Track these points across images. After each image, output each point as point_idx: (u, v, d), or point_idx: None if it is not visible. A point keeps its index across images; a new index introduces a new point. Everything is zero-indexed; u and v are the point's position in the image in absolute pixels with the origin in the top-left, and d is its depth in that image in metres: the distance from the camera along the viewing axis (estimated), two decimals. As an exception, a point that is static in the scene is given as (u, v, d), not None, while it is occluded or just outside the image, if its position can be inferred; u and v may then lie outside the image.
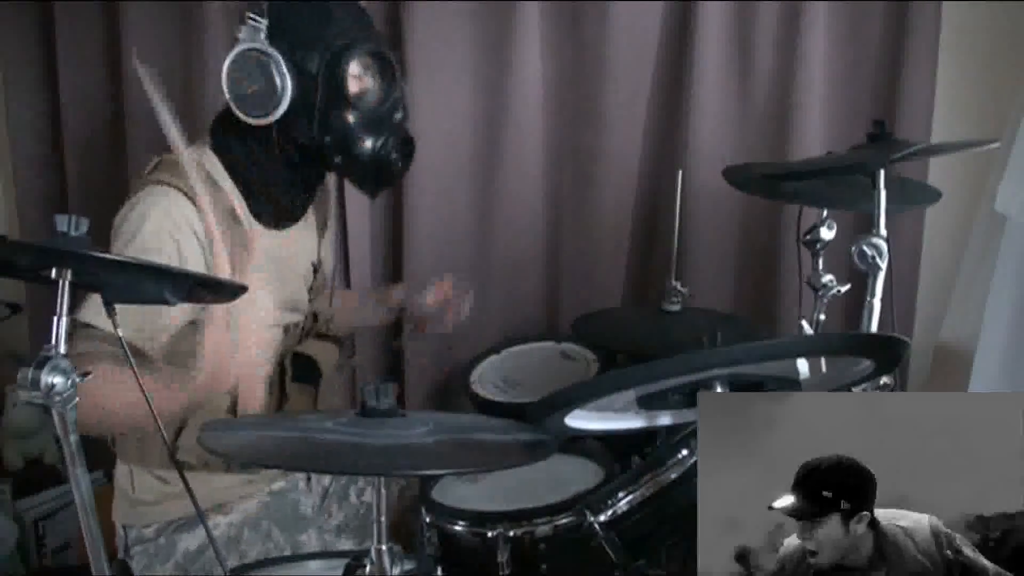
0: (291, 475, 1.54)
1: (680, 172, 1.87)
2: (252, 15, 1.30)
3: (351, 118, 1.35)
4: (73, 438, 0.92)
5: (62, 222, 0.92)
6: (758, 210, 2.06)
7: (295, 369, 1.47)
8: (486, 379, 1.85)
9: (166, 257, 1.28)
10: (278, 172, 1.41)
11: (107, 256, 0.95)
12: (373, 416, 1.01)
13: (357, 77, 1.36)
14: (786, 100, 1.99)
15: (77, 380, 0.91)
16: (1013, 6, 1.92)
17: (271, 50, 1.30)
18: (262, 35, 1.30)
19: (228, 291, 1.11)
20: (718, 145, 2.02)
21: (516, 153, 2.08)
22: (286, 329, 1.50)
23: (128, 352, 1.06)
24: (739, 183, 1.64)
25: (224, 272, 1.28)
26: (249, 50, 1.30)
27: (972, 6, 1.95)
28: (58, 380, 0.88)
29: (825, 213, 1.55)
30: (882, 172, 1.32)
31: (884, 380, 1.34)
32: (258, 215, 1.41)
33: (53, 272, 0.91)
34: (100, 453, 1.49)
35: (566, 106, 2.09)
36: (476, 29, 2.03)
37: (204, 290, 1.11)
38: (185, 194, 1.30)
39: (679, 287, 1.87)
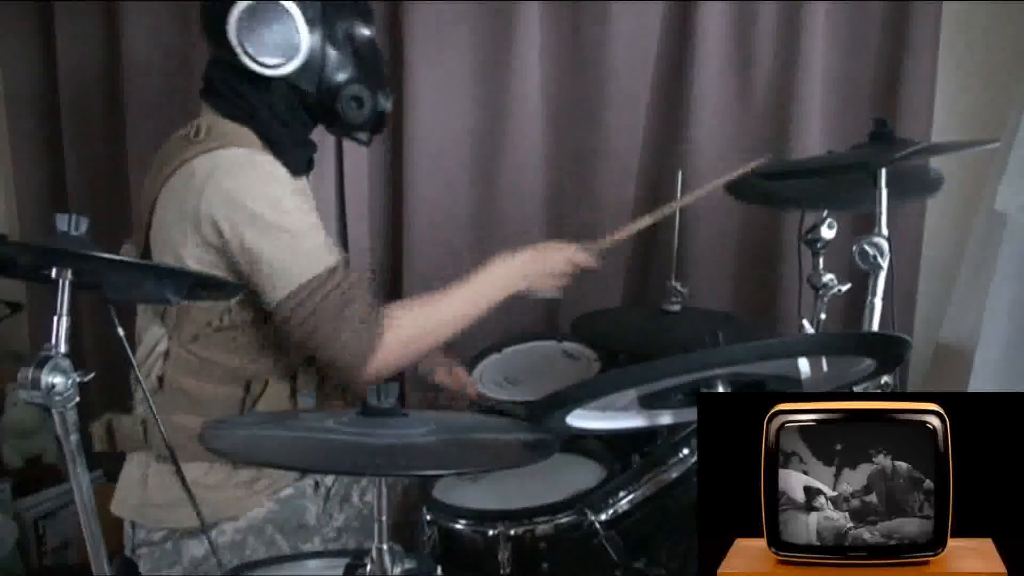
0: (300, 482, 1.51)
1: (680, 172, 1.87)
2: None
3: (358, 70, 1.34)
4: (73, 438, 0.92)
5: (62, 221, 0.92)
6: (758, 210, 2.05)
7: None
8: (487, 378, 1.85)
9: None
10: (286, 122, 1.37)
11: (107, 256, 0.95)
12: (374, 416, 1.01)
13: (360, 27, 1.35)
14: (786, 100, 1.99)
15: (77, 380, 0.91)
16: (1013, 6, 1.92)
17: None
18: None
19: (227, 290, 1.12)
20: (718, 145, 2.02)
21: (516, 153, 2.08)
22: None
23: (130, 352, 1.06)
24: (742, 195, 1.66)
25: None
26: None
27: (972, 6, 1.95)
28: (58, 380, 0.89)
29: (825, 212, 1.55)
30: (883, 171, 1.32)
31: (884, 379, 1.34)
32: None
33: (53, 272, 0.91)
34: (99, 453, 1.48)
35: (566, 106, 2.09)
36: (476, 30, 2.03)
37: (204, 289, 1.12)
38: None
39: (679, 287, 1.86)
